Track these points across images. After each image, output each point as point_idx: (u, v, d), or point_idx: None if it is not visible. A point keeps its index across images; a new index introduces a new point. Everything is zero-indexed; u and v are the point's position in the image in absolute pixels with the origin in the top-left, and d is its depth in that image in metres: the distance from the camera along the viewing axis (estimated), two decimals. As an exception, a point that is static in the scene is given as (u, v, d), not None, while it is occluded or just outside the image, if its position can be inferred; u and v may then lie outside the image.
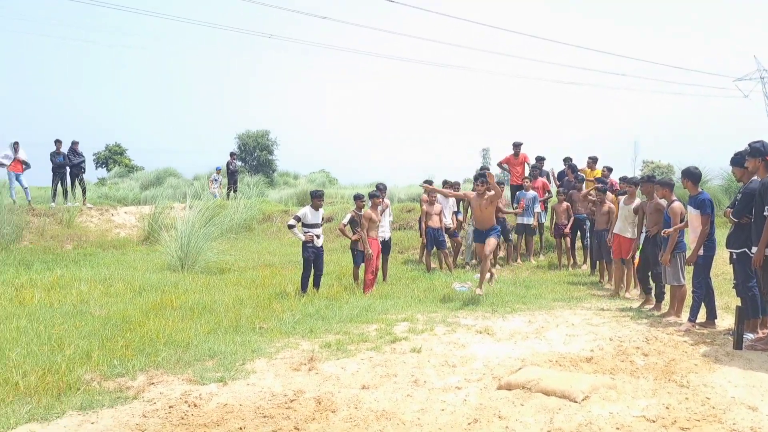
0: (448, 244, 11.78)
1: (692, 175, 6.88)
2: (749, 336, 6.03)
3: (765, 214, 5.63)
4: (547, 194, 13.14)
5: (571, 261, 12.03)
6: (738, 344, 5.81)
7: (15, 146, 15.12)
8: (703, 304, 6.78)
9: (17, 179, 15.33)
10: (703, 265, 6.73)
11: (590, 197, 11.15)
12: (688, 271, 7.23)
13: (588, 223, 11.45)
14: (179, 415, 4.35)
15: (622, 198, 9.18)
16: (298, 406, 4.51)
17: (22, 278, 9.62)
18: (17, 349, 5.68)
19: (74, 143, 16.37)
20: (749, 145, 5.97)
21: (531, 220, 12.36)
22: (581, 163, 12.86)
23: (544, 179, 13.22)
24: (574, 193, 11.82)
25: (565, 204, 11.79)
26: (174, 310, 7.61)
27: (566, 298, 8.83)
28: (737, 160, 6.39)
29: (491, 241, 8.67)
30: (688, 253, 6.94)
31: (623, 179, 10.04)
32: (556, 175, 13.45)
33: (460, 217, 12.62)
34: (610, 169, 12.40)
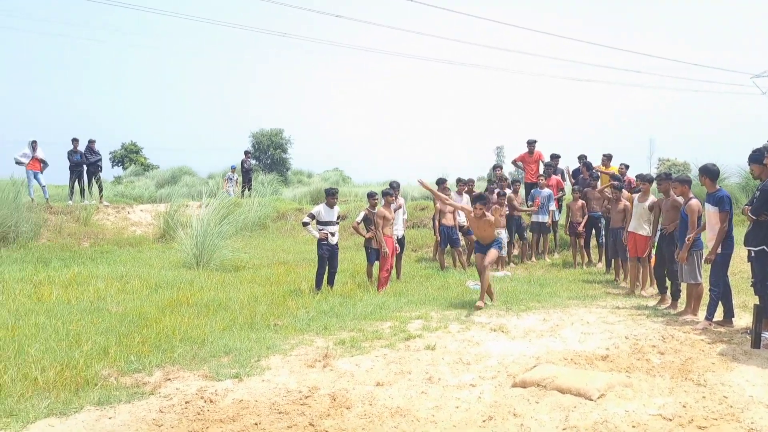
0: (462, 242, 11.75)
1: (710, 172, 6.80)
2: (767, 335, 5.96)
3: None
4: (560, 192, 13.06)
5: (586, 259, 11.96)
6: (756, 343, 5.74)
7: (33, 145, 15.32)
8: (720, 302, 6.71)
9: (35, 177, 15.53)
10: (721, 263, 6.66)
11: (606, 193, 11.07)
12: (705, 269, 7.15)
13: (603, 221, 11.37)
14: (195, 411, 4.39)
15: (636, 195, 9.09)
16: (312, 403, 4.53)
17: (40, 275, 9.75)
18: (36, 345, 5.76)
19: (91, 142, 16.55)
20: None
21: (546, 218, 12.30)
22: (596, 161, 12.78)
23: (558, 177, 13.15)
24: (589, 190, 11.76)
25: (580, 202, 11.72)
26: (189, 307, 7.67)
27: (581, 297, 8.77)
28: (756, 157, 6.30)
29: (492, 253, 8.17)
30: (705, 252, 6.87)
31: (640, 176, 9.95)
32: (570, 173, 13.38)
33: None
34: (627, 166, 12.33)
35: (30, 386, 4.75)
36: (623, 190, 10.23)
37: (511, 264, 12.04)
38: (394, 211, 9.83)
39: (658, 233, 8.19)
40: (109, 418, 4.27)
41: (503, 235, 11.68)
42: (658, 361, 5.38)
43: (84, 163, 16.29)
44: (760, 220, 6.08)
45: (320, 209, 9.12)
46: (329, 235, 9.02)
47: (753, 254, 6.23)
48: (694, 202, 7.10)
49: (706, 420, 4.03)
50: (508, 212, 11.96)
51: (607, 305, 8.11)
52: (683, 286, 7.61)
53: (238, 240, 13.67)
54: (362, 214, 9.57)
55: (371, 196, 9.60)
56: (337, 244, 9.24)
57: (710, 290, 6.71)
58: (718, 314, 6.76)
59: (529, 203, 12.40)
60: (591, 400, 4.36)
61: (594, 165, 12.56)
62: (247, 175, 21.86)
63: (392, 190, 9.97)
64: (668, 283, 8.00)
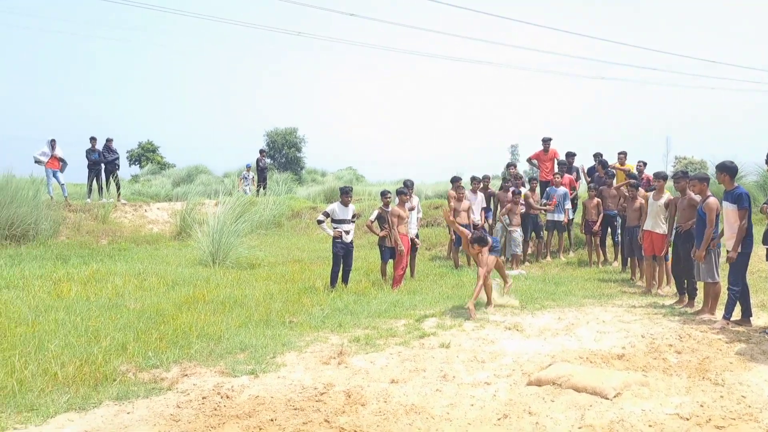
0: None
1: (729, 170, 6.72)
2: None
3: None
4: (573, 191, 12.97)
5: (602, 258, 11.89)
6: (775, 343, 5.68)
7: (52, 144, 15.50)
8: (737, 301, 6.64)
9: (54, 176, 15.71)
10: (741, 262, 6.58)
11: (623, 191, 10.98)
12: (722, 268, 7.08)
13: (619, 219, 11.29)
14: (212, 406, 4.43)
15: (650, 193, 9.02)
16: (328, 399, 4.56)
17: (59, 272, 9.87)
18: (56, 341, 5.84)
19: (108, 141, 16.71)
20: None
21: (561, 217, 12.24)
22: (611, 159, 12.68)
23: (572, 176, 13.06)
24: (604, 189, 11.68)
25: (595, 200, 11.65)
26: (206, 304, 7.73)
27: (597, 295, 8.72)
28: (774, 155, 6.24)
29: (490, 260, 7.85)
30: (723, 251, 6.79)
31: (655, 174, 9.86)
32: (585, 171, 13.29)
33: (490, 218, 12.49)
34: (644, 164, 12.23)
35: (50, 381, 4.82)
36: (640, 188, 10.15)
37: (526, 262, 12.00)
38: (408, 211, 9.83)
39: (674, 232, 8.12)
40: (128, 413, 4.33)
41: (518, 233, 11.65)
42: (675, 360, 5.34)
43: (102, 162, 16.46)
44: (780, 218, 6.01)
45: (334, 207, 9.15)
46: (344, 233, 9.05)
47: (772, 253, 6.17)
48: (713, 200, 7.02)
49: (724, 420, 4.00)
50: (524, 210, 11.93)
51: (623, 304, 8.06)
52: (699, 285, 7.53)
53: (253, 238, 13.73)
54: (375, 213, 9.58)
55: (384, 194, 9.62)
56: (352, 242, 9.27)
57: (729, 289, 6.64)
58: (736, 313, 6.70)
59: (545, 201, 12.33)
60: (607, 398, 4.34)
61: (610, 163, 12.47)
62: (262, 173, 21.95)
63: (406, 188, 9.96)
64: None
